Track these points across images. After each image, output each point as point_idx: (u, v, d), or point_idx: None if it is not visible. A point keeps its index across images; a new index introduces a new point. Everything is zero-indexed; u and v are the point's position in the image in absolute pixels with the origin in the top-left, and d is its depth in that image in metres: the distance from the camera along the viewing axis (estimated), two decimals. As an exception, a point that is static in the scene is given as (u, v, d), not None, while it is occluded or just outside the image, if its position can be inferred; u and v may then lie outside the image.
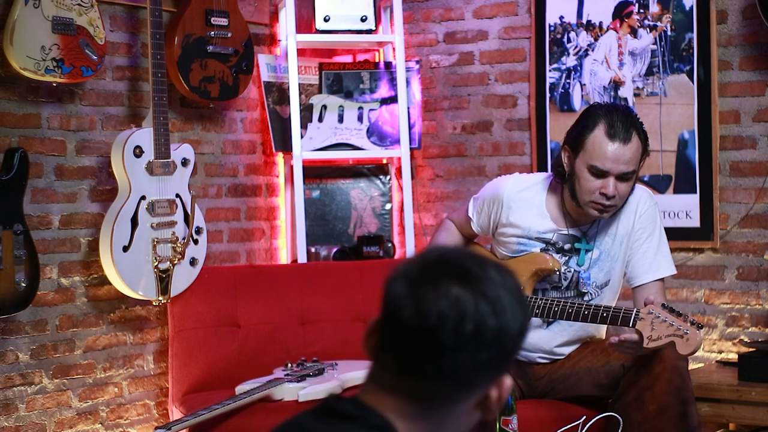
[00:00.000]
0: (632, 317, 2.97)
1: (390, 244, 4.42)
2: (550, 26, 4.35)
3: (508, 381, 1.45)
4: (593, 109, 3.17)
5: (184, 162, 3.76)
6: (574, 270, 3.27)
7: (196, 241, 3.79)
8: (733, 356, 3.89)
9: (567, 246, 3.27)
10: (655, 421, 3.00)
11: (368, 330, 1.45)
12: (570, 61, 4.31)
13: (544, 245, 3.28)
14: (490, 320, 1.38)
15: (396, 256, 4.46)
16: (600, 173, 3.09)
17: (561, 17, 4.33)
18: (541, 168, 4.32)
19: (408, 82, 4.51)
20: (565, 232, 3.27)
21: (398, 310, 1.39)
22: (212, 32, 3.96)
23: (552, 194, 3.31)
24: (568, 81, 4.32)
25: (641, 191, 3.28)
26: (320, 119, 4.43)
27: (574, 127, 3.19)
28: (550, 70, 4.36)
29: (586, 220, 3.25)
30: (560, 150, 3.22)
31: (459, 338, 1.37)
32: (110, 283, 3.68)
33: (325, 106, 4.45)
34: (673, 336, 2.91)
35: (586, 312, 3.08)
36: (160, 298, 3.68)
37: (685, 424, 3.00)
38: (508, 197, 3.31)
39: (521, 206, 3.30)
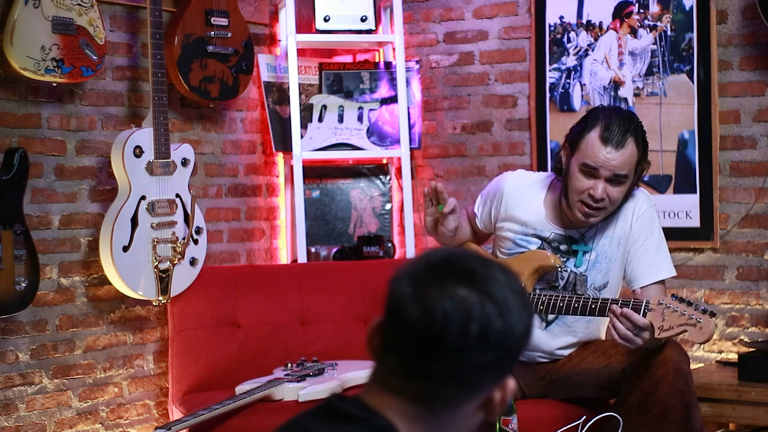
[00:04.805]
0: (642, 308, 2.96)
1: (390, 244, 4.42)
2: (550, 26, 4.35)
3: (511, 383, 1.45)
4: (595, 110, 3.21)
5: (184, 162, 3.76)
6: (571, 271, 3.27)
7: (196, 241, 3.79)
8: (733, 356, 3.89)
9: (563, 247, 3.26)
10: (658, 424, 2.99)
11: (371, 330, 1.45)
12: (570, 61, 4.31)
13: (540, 243, 3.28)
14: (496, 322, 1.38)
15: (396, 257, 4.45)
16: (589, 173, 3.10)
17: (561, 17, 4.33)
18: (541, 168, 4.31)
19: (408, 82, 4.51)
20: (562, 233, 3.27)
21: (403, 310, 1.39)
22: (212, 32, 3.96)
23: (552, 194, 3.31)
24: (568, 81, 4.32)
25: (639, 193, 3.28)
26: (320, 119, 4.43)
27: (575, 126, 3.22)
28: (550, 70, 4.36)
29: (584, 222, 3.25)
30: (560, 147, 3.25)
31: (464, 339, 1.37)
32: (110, 283, 3.68)
33: (325, 106, 4.44)
34: (686, 325, 2.88)
35: (593, 306, 3.05)
36: (160, 298, 3.67)
37: (688, 426, 2.99)
38: (508, 191, 3.34)
39: (520, 201, 3.32)
